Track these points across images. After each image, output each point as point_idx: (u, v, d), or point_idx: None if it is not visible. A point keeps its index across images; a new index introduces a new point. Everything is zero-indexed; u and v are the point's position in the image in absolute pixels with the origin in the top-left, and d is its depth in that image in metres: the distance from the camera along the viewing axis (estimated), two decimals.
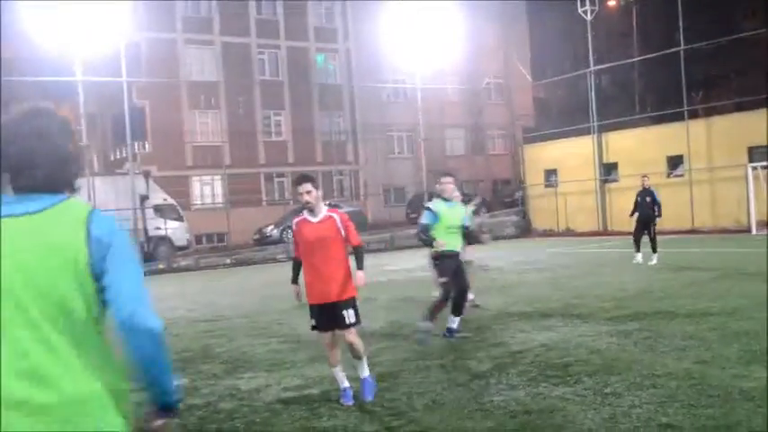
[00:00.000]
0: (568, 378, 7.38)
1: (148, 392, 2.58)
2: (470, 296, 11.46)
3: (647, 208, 17.82)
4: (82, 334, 2.45)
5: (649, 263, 17.31)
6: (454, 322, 9.91)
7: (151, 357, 2.52)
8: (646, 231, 17.87)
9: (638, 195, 18.10)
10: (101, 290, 2.48)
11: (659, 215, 17.85)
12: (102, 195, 30.32)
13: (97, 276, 2.47)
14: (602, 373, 7.44)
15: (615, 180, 31.56)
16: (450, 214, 9.91)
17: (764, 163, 26.33)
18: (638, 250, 17.86)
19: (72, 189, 2.62)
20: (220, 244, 38.14)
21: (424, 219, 9.86)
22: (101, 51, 30.46)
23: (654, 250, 17.60)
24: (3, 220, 2.45)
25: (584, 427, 5.85)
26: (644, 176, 18.36)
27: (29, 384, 2.36)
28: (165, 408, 2.62)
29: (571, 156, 33.50)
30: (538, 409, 6.47)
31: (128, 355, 2.50)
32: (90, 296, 2.47)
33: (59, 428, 2.36)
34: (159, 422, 2.60)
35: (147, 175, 35.31)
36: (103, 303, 2.49)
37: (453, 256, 9.86)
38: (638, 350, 8.43)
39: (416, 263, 21.44)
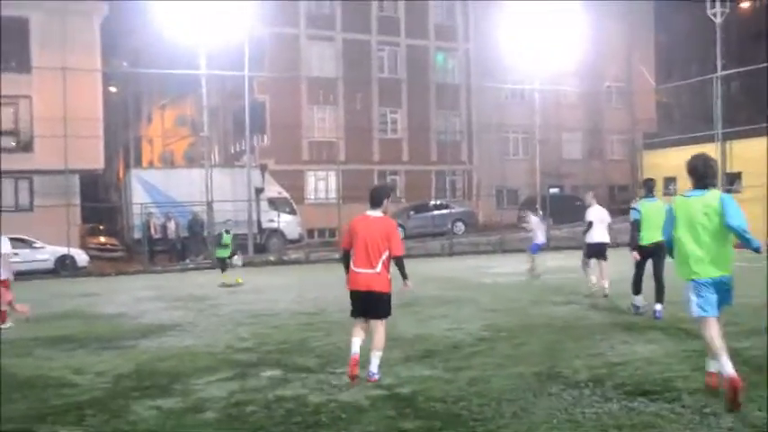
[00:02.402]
0: (667, 394, 7.07)
1: None
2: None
3: None
4: (714, 235, 6.80)
5: None
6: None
7: (748, 241, 6.71)
8: None
9: None
10: (725, 221, 6.73)
11: None
12: (219, 186, 31.13)
13: (722, 215, 6.70)
14: (703, 392, 7.09)
15: (738, 191, 30.25)
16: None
17: None
18: None
19: (713, 186, 7.05)
20: (331, 239, 38.53)
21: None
22: (225, 45, 31.26)
23: None
24: (689, 198, 7.04)
25: None
26: None
27: (701, 253, 6.92)
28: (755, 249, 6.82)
29: None
30: (630, 424, 6.23)
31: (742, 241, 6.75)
32: (717, 221, 6.77)
33: (714, 267, 6.91)
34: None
35: (263, 168, 36.10)
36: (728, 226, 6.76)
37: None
38: (746, 369, 7.97)
39: (524, 267, 21.09)
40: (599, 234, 15.39)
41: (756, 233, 6.43)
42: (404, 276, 8.27)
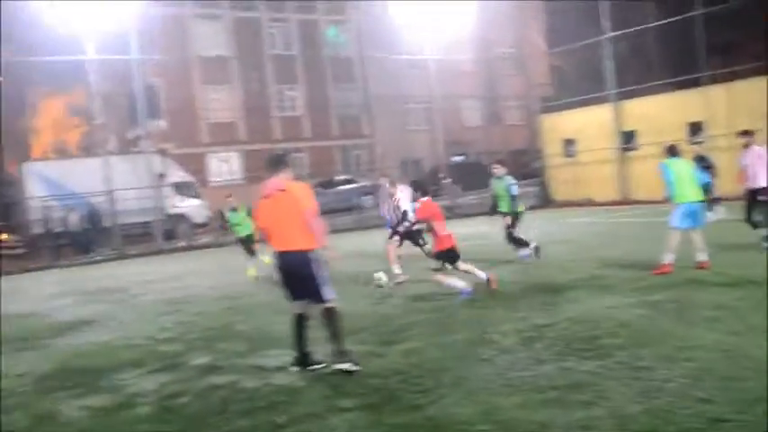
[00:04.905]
0: (598, 352, 7.22)
1: None
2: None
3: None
4: (692, 180, 11.67)
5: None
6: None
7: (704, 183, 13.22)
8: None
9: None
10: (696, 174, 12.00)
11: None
12: (120, 174, 30.26)
13: (694, 171, 12.00)
14: (632, 347, 7.28)
15: (634, 148, 31.08)
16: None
17: None
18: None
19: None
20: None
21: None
22: (112, 29, 30.22)
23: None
24: (675, 160, 11.76)
25: (615, 403, 5.70)
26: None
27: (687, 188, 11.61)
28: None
29: (589, 125, 33.04)
30: (566, 384, 6.33)
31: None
32: (692, 173, 11.75)
33: (693, 196, 11.68)
34: None
35: (163, 153, 35.26)
36: None
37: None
38: (667, 321, 8.25)
39: None
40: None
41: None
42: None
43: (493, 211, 15.34)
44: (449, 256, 11.06)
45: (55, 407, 7.29)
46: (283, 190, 7.52)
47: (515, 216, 14.85)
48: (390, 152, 46.18)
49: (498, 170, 15.12)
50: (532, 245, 14.75)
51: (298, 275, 7.50)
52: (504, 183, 14.78)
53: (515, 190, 14.76)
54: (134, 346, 10.05)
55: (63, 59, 33.33)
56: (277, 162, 7.78)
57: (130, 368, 8.64)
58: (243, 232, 17.40)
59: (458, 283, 11.01)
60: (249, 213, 16.90)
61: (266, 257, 16.20)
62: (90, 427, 6.60)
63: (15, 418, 7.05)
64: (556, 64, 51.06)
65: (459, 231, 21.95)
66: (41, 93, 52.64)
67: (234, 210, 17.60)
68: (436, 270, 11.05)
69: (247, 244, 17.34)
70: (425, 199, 11.31)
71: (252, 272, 16.63)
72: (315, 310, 7.64)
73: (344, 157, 45.38)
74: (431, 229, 11.15)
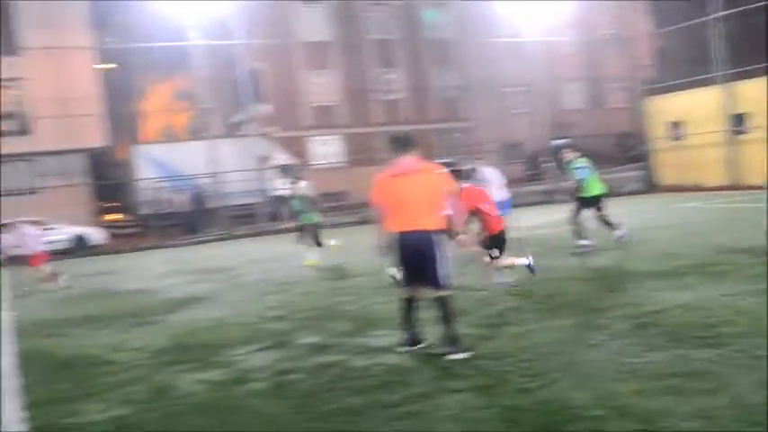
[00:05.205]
0: (714, 340, 7.00)
1: None
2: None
3: None
4: None
5: None
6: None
7: None
8: None
9: None
10: None
11: None
12: (226, 157, 31.00)
13: None
14: (750, 335, 7.04)
15: (745, 131, 30.02)
16: None
17: None
18: None
19: None
20: (341, 203, 38.40)
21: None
22: (217, 15, 30.91)
23: None
24: None
25: (740, 392, 5.52)
26: None
27: None
28: None
29: (697, 107, 32.05)
30: (686, 371, 6.14)
31: None
32: None
33: None
34: None
35: (267, 136, 35.94)
36: None
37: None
38: None
39: (532, 221, 21.04)
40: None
41: None
42: None
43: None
44: (498, 241, 10.70)
45: (172, 380, 7.52)
46: (420, 170, 7.56)
47: (597, 199, 14.44)
48: (490, 135, 45.76)
49: (568, 154, 14.82)
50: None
51: (419, 256, 7.38)
52: (574, 165, 14.50)
53: (581, 174, 14.38)
54: (243, 324, 10.29)
55: (170, 45, 34.33)
56: (406, 143, 7.82)
57: (241, 345, 8.84)
58: (304, 221, 17.37)
59: (522, 260, 11.02)
60: (304, 204, 17.19)
61: (334, 243, 16.47)
62: (207, 400, 6.77)
63: (133, 390, 7.29)
64: (660, 45, 49.64)
65: (556, 218, 21.75)
66: (150, 78, 54.31)
67: (294, 198, 17.71)
68: (494, 258, 10.73)
69: (303, 231, 17.41)
70: (465, 186, 10.64)
71: (311, 261, 16.64)
72: (426, 294, 7.60)
73: (442, 140, 45.21)
74: (479, 215, 10.56)
